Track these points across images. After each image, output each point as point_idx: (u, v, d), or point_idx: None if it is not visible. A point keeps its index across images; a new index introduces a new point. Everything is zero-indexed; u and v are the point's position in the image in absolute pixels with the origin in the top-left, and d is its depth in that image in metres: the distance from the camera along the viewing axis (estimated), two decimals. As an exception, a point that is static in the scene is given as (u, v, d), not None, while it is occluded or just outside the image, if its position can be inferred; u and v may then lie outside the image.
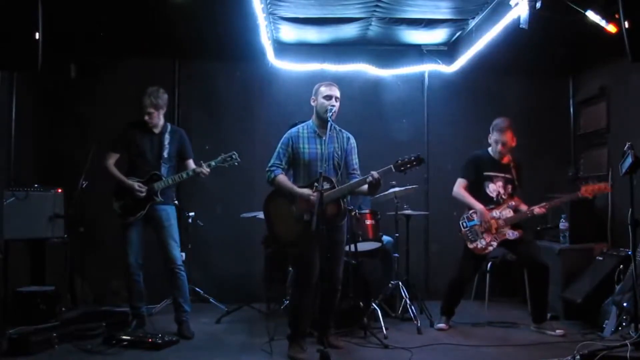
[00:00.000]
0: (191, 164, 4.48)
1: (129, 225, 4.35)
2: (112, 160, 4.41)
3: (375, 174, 3.68)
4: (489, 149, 4.74)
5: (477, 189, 4.65)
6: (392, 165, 3.74)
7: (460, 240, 4.69)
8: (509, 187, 4.68)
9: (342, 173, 3.92)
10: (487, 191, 4.65)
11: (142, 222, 4.38)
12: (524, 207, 4.58)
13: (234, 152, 4.39)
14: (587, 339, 4.00)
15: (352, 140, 4.05)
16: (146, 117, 4.35)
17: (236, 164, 4.40)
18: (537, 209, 4.51)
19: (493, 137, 4.67)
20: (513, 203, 4.61)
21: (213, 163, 4.35)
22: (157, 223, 4.39)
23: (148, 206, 4.33)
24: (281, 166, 3.90)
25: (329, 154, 3.84)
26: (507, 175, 4.68)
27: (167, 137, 4.43)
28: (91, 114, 5.69)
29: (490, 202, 4.62)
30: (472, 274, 4.91)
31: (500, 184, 4.66)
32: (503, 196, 4.64)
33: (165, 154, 4.40)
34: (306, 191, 3.77)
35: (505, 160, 4.71)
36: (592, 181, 4.54)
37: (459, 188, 4.68)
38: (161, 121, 4.47)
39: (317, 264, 3.80)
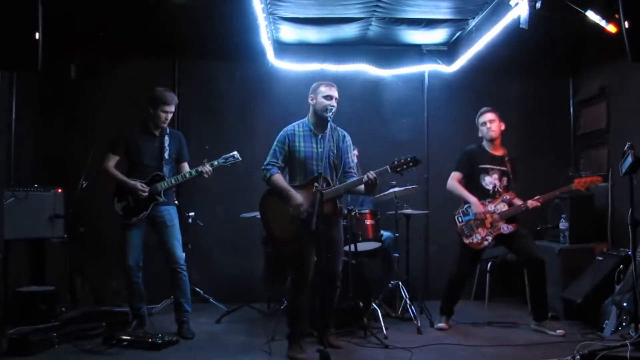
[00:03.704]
0: (186, 166, 4.51)
1: (130, 227, 4.35)
2: (112, 162, 4.40)
3: (371, 174, 3.69)
4: (483, 144, 4.76)
5: (473, 182, 4.66)
6: (388, 166, 3.76)
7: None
8: (505, 179, 4.68)
9: (338, 172, 3.93)
10: (483, 184, 4.65)
11: (143, 223, 4.39)
12: (518, 202, 4.59)
13: (235, 152, 4.40)
14: (587, 339, 4.00)
15: (348, 139, 4.05)
16: (168, 118, 4.40)
17: (238, 163, 4.42)
18: (531, 202, 4.53)
19: (479, 124, 4.71)
20: (507, 197, 4.61)
21: (216, 162, 4.36)
22: (161, 223, 4.39)
23: (151, 206, 4.33)
24: (277, 164, 3.90)
25: (326, 152, 3.82)
26: (503, 168, 4.69)
27: (167, 139, 4.45)
28: (91, 114, 5.70)
29: (486, 194, 4.62)
30: (471, 270, 4.91)
31: (496, 176, 4.66)
32: (499, 189, 4.65)
33: (166, 155, 4.41)
34: (298, 198, 3.76)
35: (500, 152, 4.72)
36: (585, 174, 4.56)
37: (453, 180, 4.70)
38: None
39: (313, 263, 3.80)
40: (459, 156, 4.78)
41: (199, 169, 4.32)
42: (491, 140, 4.69)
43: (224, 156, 4.40)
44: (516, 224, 4.58)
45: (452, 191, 4.71)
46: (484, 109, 4.74)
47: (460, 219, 4.62)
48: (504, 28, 4.73)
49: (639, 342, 3.34)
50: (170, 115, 4.41)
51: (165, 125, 4.45)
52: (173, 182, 4.38)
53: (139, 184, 4.30)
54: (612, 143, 5.42)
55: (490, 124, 4.65)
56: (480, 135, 4.75)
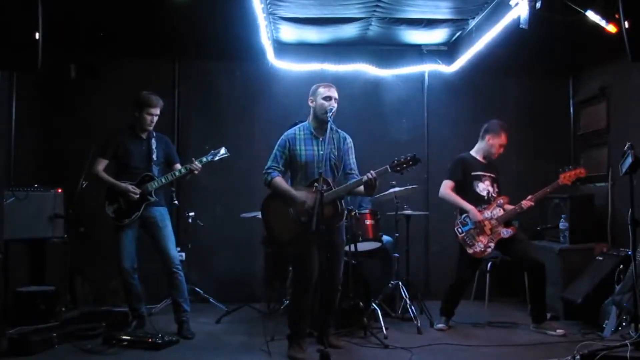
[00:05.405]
0: (178, 167, 4.52)
1: (123, 228, 4.35)
2: (101, 166, 4.42)
3: (372, 173, 3.70)
4: (472, 152, 4.78)
5: (466, 189, 4.66)
6: (388, 166, 3.76)
7: (460, 240, 4.69)
8: (495, 185, 4.71)
9: (339, 174, 3.93)
10: (477, 190, 4.65)
11: (136, 225, 4.39)
12: (510, 206, 4.60)
13: (223, 148, 4.46)
14: (587, 339, 4.01)
15: (349, 141, 4.05)
16: (153, 120, 4.40)
17: (225, 158, 4.45)
18: (525, 203, 4.54)
19: (492, 140, 4.68)
20: (501, 201, 4.63)
21: (204, 159, 4.40)
22: (153, 224, 4.40)
23: (143, 207, 4.34)
24: (278, 168, 3.91)
25: (326, 155, 3.82)
26: (492, 175, 4.72)
27: (154, 141, 4.48)
28: (91, 114, 5.69)
29: (481, 201, 4.63)
30: (471, 276, 4.94)
31: (488, 182, 4.69)
32: (493, 194, 4.67)
33: (154, 157, 4.44)
34: (301, 196, 3.77)
35: (486, 160, 4.74)
36: (568, 168, 4.56)
37: (446, 189, 4.68)
38: None
39: (316, 265, 3.80)
40: (451, 164, 4.76)
41: (188, 166, 4.35)
42: (489, 155, 4.72)
43: (212, 152, 4.44)
44: (514, 227, 4.58)
45: (446, 200, 4.69)
46: (503, 129, 4.69)
47: (460, 230, 4.61)
48: (504, 28, 4.73)
49: (639, 342, 3.34)
50: (155, 118, 4.43)
51: (151, 128, 4.46)
52: (163, 181, 4.40)
53: (129, 186, 4.31)
54: (612, 143, 5.41)
55: (500, 148, 4.68)
56: (485, 143, 4.71)
